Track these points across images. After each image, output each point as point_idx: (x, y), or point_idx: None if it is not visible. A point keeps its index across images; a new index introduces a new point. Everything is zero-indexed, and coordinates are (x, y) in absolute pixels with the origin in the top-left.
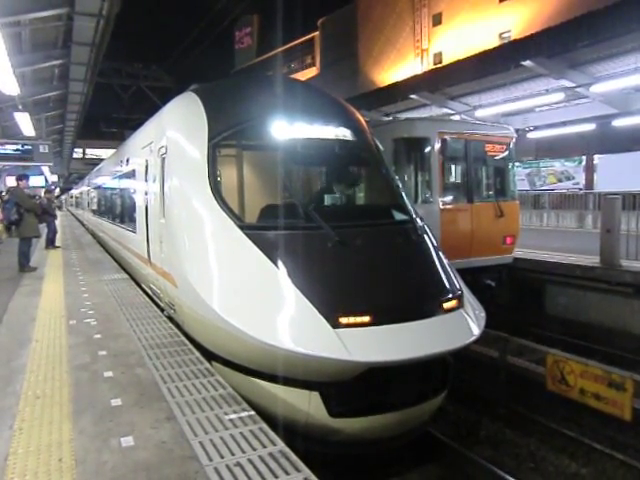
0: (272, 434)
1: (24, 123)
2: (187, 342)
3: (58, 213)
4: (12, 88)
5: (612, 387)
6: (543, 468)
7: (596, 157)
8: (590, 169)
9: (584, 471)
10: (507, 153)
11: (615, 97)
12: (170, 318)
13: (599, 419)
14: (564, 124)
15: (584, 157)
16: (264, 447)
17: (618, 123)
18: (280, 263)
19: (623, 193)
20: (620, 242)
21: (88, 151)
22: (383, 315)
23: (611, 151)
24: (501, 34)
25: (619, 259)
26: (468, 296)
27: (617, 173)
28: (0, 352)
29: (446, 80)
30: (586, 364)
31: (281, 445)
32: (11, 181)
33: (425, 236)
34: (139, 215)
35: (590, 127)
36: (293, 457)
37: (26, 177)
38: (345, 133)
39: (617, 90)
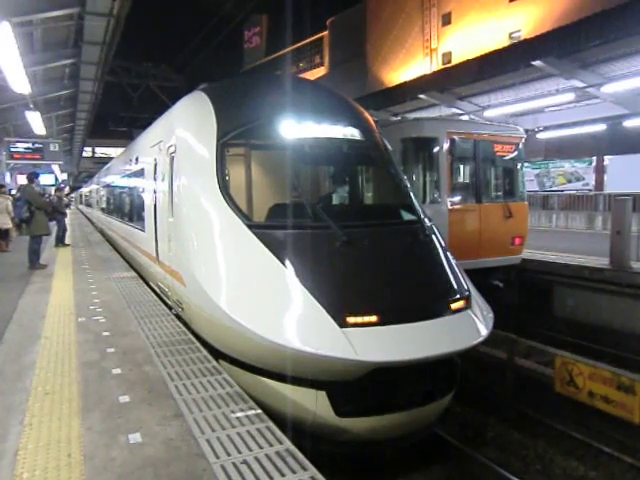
0: (279, 433)
1: (35, 122)
2: (195, 340)
3: (67, 211)
4: (24, 87)
5: (621, 390)
6: (550, 470)
7: (606, 158)
8: (600, 170)
9: (592, 474)
10: (516, 153)
11: (626, 97)
12: (178, 316)
13: (608, 422)
14: (574, 124)
15: (594, 158)
16: (271, 445)
17: (629, 124)
18: (288, 262)
19: (634, 194)
20: (631, 244)
21: (97, 150)
22: (390, 315)
23: (622, 152)
24: (511, 34)
25: (629, 261)
26: (476, 297)
27: (628, 174)
28: (10, 348)
29: (455, 80)
30: (595, 366)
31: (288, 444)
32: (22, 179)
33: (433, 236)
34: (148, 214)
35: (601, 128)
36: (300, 456)
37: (36, 175)
38: (354, 133)
39: (628, 90)
